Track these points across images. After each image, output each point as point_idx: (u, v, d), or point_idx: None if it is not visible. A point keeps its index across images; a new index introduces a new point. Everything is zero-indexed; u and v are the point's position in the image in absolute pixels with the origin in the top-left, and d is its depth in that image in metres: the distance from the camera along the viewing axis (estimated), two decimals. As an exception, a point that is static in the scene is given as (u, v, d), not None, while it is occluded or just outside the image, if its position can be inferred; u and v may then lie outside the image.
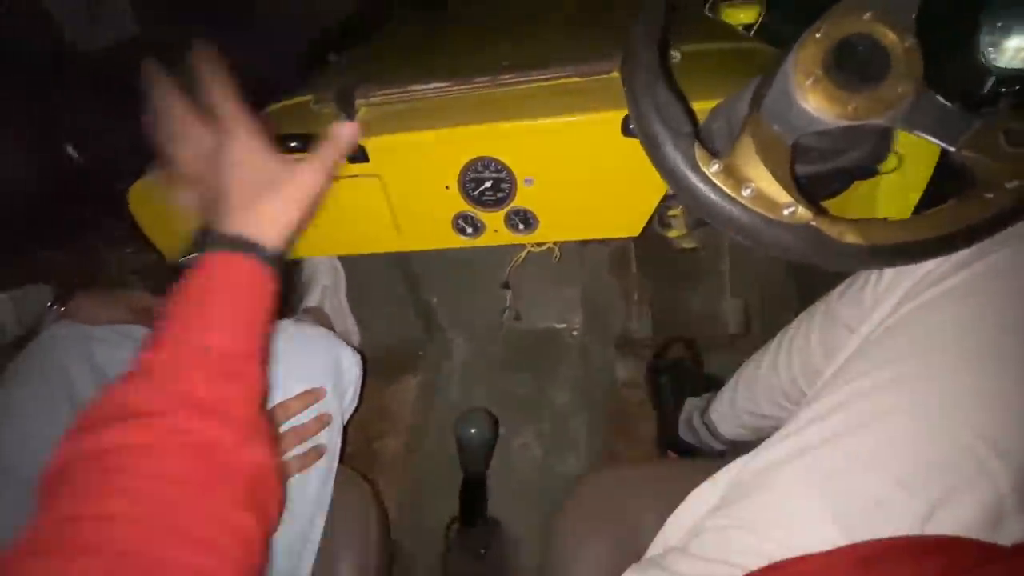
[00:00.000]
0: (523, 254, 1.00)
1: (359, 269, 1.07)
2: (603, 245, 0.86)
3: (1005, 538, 0.34)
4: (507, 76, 0.75)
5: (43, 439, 0.48)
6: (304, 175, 0.49)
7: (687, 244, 0.91)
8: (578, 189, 0.76)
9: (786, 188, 0.34)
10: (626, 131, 0.58)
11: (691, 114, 0.36)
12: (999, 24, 0.41)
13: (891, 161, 0.55)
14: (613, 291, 1.05)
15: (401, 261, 0.87)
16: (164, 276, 0.86)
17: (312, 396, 0.52)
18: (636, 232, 0.81)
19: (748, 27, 1.21)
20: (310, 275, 1.06)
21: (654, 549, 0.44)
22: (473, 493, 0.84)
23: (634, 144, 0.45)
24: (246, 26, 1.02)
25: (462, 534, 0.83)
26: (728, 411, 0.77)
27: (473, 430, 0.82)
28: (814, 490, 0.36)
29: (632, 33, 0.38)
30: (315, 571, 0.49)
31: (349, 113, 0.75)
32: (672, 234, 0.88)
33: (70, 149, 0.73)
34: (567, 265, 1.04)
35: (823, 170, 0.45)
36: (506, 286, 1.03)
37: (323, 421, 0.53)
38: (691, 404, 0.85)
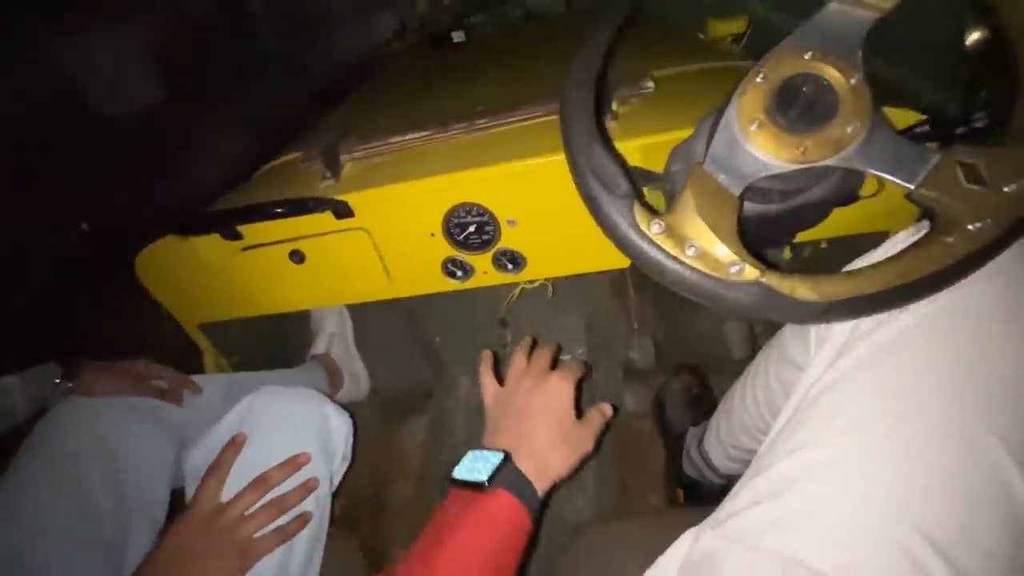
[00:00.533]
0: (517, 291, 1.00)
1: (364, 314, 1.09)
2: (600, 273, 0.85)
3: None
4: (482, 121, 0.77)
5: (51, 525, 0.50)
6: (589, 440, 0.54)
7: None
8: (562, 226, 0.75)
9: (730, 245, 0.33)
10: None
11: (627, 173, 0.35)
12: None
13: (870, 185, 0.52)
14: (615, 319, 1.03)
15: (402, 304, 0.88)
16: (173, 341, 0.90)
17: (295, 463, 0.53)
18: (627, 263, 0.79)
19: (738, 38, 1.19)
20: (317, 322, 1.08)
21: None
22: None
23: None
24: (258, 86, 1.07)
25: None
26: (716, 443, 0.74)
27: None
28: None
29: (564, 94, 0.38)
30: None
31: (335, 171, 0.77)
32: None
33: (84, 224, 0.77)
34: (566, 296, 1.03)
35: (789, 208, 0.44)
36: (503, 323, 1.03)
37: (308, 487, 0.52)
38: (691, 434, 0.81)
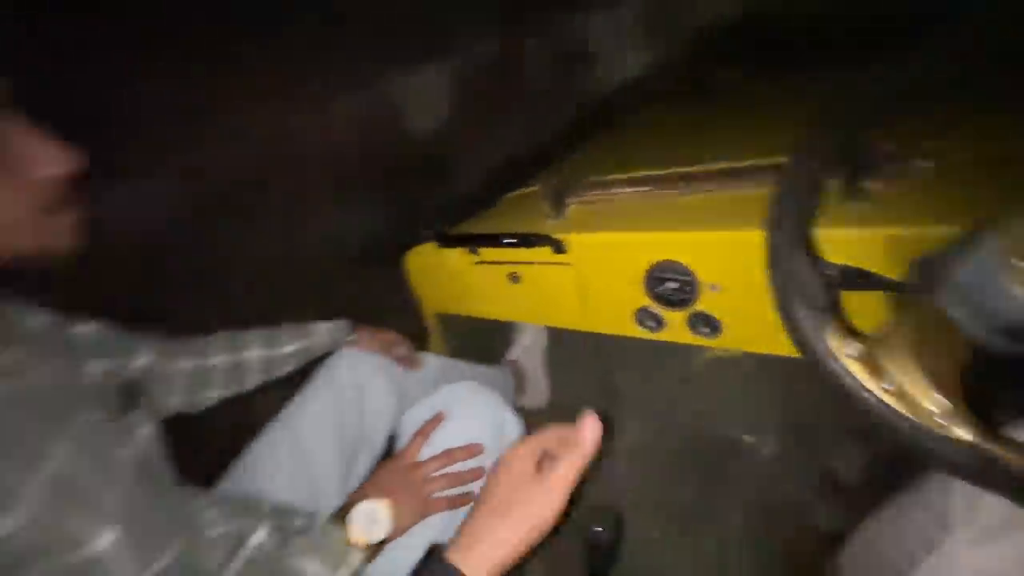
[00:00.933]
0: (711, 355, 0.95)
1: (560, 335, 1.19)
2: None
3: None
4: (706, 184, 0.77)
5: (321, 435, 0.72)
6: (547, 496, 0.41)
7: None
8: (769, 304, 0.70)
9: (944, 393, 0.28)
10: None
11: (828, 286, 0.33)
12: None
13: None
14: (820, 415, 0.88)
15: (595, 335, 0.95)
16: (413, 322, 1.15)
17: (472, 450, 0.64)
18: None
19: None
20: (518, 333, 1.23)
21: None
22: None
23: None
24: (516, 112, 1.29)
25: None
26: (852, 570, 0.62)
27: (599, 530, 0.83)
28: None
29: (775, 197, 0.37)
30: None
31: (559, 211, 0.89)
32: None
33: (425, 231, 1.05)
34: (764, 371, 0.94)
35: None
36: (685, 382, 0.99)
37: (477, 474, 0.64)
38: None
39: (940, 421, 0.29)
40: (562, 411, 1.20)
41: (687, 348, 1.00)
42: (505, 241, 0.83)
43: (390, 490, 0.58)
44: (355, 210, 1.06)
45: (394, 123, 1.08)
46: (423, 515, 0.60)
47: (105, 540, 0.38)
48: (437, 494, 0.61)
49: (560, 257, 0.85)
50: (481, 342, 1.26)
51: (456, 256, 0.98)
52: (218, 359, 0.71)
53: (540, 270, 0.89)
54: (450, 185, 1.17)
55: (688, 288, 0.75)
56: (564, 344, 1.20)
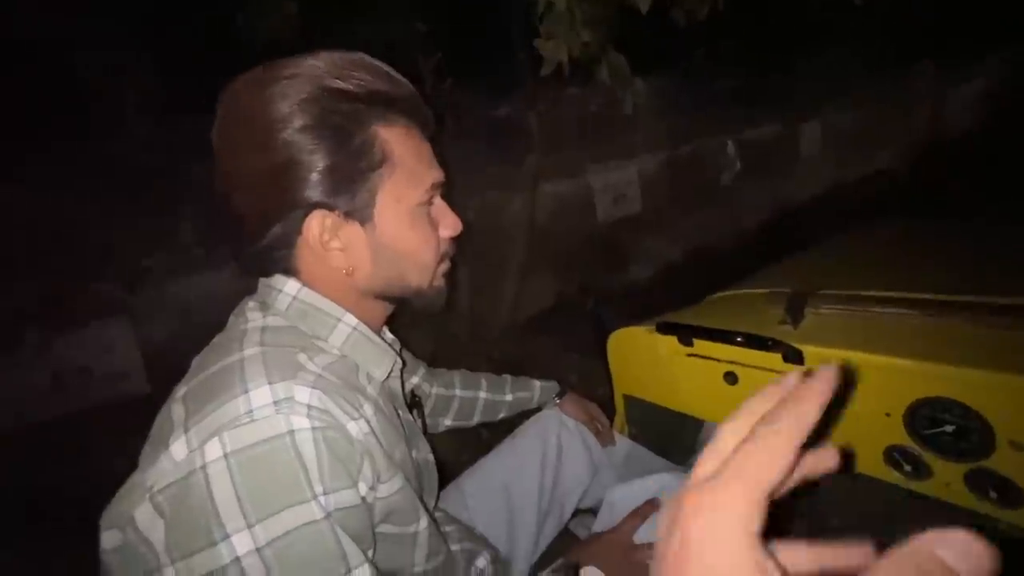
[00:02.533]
0: (991, 526, 0.74)
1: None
2: None
3: None
4: (981, 313, 0.65)
5: (517, 489, 0.77)
6: None
7: None
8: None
9: None
10: None
11: None
12: None
13: None
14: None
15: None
16: (603, 398, 1.16)
17: None
18: None
19: None
20: (707, 433, 1.15)
21: None
22: None
23: None
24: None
25: None
26: None
27: None
28: None
29: None
30: None
31: (796, 318, 0.83)
32: None
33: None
34: None
35: None
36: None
37: None
38: None
39: None
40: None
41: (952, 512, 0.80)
42: (737, 340, 0.81)
43: (608, 563, 0.59)
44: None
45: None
46: None
47: (422, 524, 0.47)
48: None
49: (792, 367, 0.79)
50: (661, 434, 1.20)
51: (666, 344, 0.97)
52: (459, 392, 0.82)
53: (765, 376, 0.83)
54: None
55: (973, 438, 0.62)
56: None
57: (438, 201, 0.53)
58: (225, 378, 0.41)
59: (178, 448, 0.38)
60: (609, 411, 1.17)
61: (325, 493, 0.38)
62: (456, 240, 0.55)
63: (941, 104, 3.91)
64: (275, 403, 0.39)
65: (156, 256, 1.54)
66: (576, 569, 0.56)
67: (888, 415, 0.69)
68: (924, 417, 0.66)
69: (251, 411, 0.38)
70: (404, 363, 0.57)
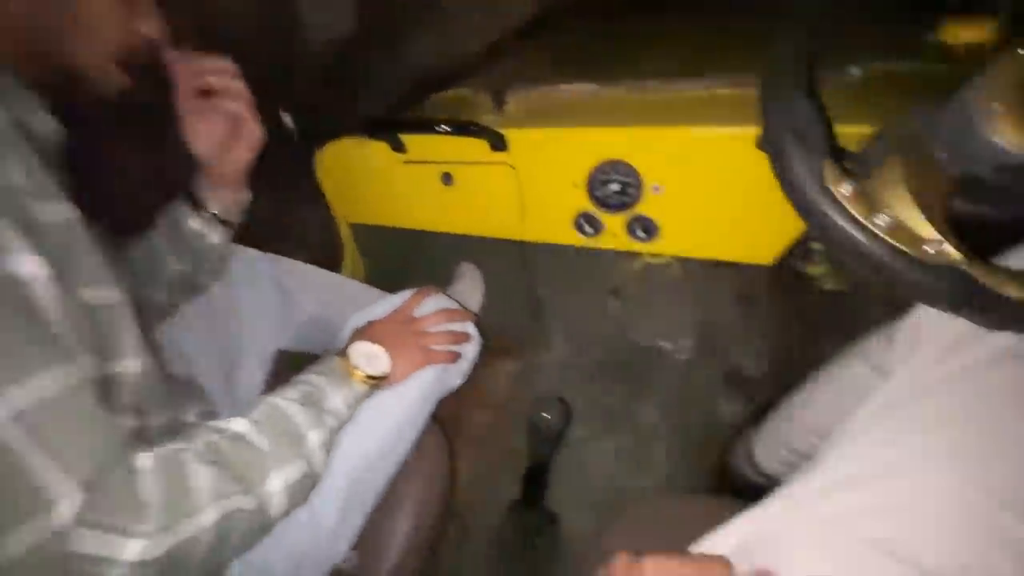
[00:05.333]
0: (640, 264, 0.98)
1: (483, 249, 1.14)
2: (732, 270, 0.81)
3: None
4: (653, 82, 0.75)
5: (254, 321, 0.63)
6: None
7: (830, 285, 0.80)
8: (709, 205, 0.72)
9: (932, 220, 0.29)
10: (759, 144, 0.55)
11: (830, 133, 0.32)
12: None
13: None
14: (733, 322, 0.96)
15: (524, 249, 0.91)
16: (323, 233, 1.03)
17: (467, 314, 0.63)
18: (768, 261, 0.74)
19: (976, 50, 1.02)
20: (458, 278, 1.16)
21: None
22: (536, 478, 0.87)
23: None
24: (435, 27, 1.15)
25: (520, 517, 0.86)
26: (770, 444, 0.72)
27: (546, 416, 0.86)
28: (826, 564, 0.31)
29: (780, 35, 0.36)
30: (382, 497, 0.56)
31: (500, 104, 0.82)
32: (812, 270, 0.78)
33: (287, 118, 0.90)
34: (687, 284, 0.99)
35: (1014, 214, 0.37)
36: (614, 293, 1.02)
37: (467, 338, 0.61)
38: (745, 433, 0.77)
39: (930, 250, 0.30)
40: (487, 335, 1.17)
41: (617, 259, 1.02)
42: (442, 128, 0.75)
43: (388, 338, 0.56)
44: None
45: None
46: (419, 366, 0.57)
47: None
48: (435, 347, 0.58)
49: (499, 156, 0.79)
50: (401, 264, 1.17)
51: (379, 154, 0.87)
52: None
53: (477, 171, 0.82)
54: (369, 77, 1.02)
55: (631, 191, 0.74)
56: (489, 257, 1.15)
57: None
58: None
59: None
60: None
61: None
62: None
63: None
64: None
65: None
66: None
67: (575, 184, 0.77)
68: (599, 180, 0.75)
69: None
70: None
